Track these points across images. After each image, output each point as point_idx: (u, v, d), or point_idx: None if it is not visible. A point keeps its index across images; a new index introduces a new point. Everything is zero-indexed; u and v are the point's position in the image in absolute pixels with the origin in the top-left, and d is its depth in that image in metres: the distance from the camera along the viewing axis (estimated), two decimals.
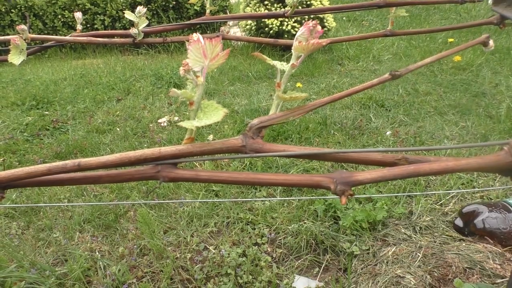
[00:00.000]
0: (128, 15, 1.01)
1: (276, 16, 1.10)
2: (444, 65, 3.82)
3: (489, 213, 1.49)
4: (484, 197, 1.80)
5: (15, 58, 0.93)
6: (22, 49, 0.94)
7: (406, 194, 1.79)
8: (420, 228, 1.63)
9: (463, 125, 2.62)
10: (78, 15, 1.15)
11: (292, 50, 0.49)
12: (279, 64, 0.50)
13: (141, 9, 1.02)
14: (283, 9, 1.07)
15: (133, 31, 1.05)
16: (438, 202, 1.78)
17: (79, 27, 1.14)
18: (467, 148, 2.15)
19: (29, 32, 0.97)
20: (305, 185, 0.44)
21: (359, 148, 2.34)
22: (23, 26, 0.99)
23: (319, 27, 0.49)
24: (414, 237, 1.58)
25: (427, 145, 2.35)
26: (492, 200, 1.72)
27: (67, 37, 1.09)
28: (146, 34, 1.08)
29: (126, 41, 1.08)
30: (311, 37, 0.49)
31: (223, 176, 0.46)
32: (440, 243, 1.52)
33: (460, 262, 1.37)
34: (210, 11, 1.10)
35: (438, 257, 1.42)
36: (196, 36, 0.49)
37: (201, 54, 0.47)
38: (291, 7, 1.00)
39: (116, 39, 1.13)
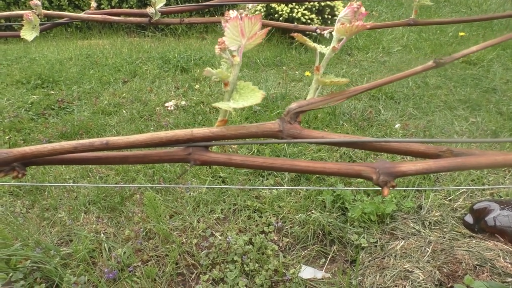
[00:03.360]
0: None
1: (298, 0, 1.07)
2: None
3: (500, 211, 1.47)
4: (494, 195, 1.78)
5: (28, 34, 0.90)
6: (35, 25, 0.92)
7: (415, 188, 1.77)
8: (429, 223, 1.61)
9: (473, 120, 2.59)
10: None
11: (333, 33, 0.46)
12: (319, 47, 0.47)
13: None
14: None
15: (149, 10, 1.02)
16: (447, 198, 1.77)
17: (93, 4, 1.11)
18: (475, 144, 2.12)
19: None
20: (345, 174, 0.42)
21: None
22: (37, 1, 0.96)
23: (363, 9, 0.46)
24: (423, 232, 1.56)
25: (437, 139, 2.32)
26: (503, 198, 1.71)
27: (82, 14, 1.05)
28: (163, 14, 1.05)
29: (142, 20, 1.05)
30: (354, 19, 0.46)
31: (257, 161, 0.44)
32: (449, 239, 1.50)
33: (470, 259, 1.35)
34: None
35: (448, 253, 1.41)
36: (233, 13, 0.46)
37: (238, 32, 0.44)
38: None
39: (131, 18, 1.10)
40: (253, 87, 0.45)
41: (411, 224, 1.62)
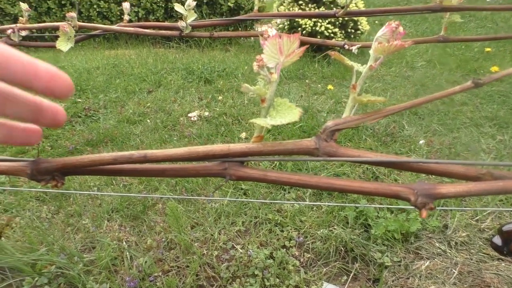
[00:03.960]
0: (178, 7, 1.00)
1: (326, 16, 1.07)
2: (481, 75, 3.71)
3: None
4: None
5: (63, 45, 0.93)
6: (70, 36, 0.94)
7: (440, 208, 1.73)
8: (456, 243, 1.57)
9: (501, 138, 2.53)
10: (126, 5, 1.15)
11: (370, 51, 0.46)
12: (355, 65, 0.47)
13: (190, 2, 1.00)
14: (334, 9, 1.04)
15: (181, 24, 1.04)
16: (474, 218, 1.72)
17: (126, 17, 1.14)
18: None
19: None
20: (382, 194, 0.42)
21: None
22: (72, 14, 0.99)
23: (401, 28, 0.46)
24: (449, 253, 1.52)
25: (463, 156, 2.27)
26: None
27: (115, 27, 1.08)
28: (193, 28, 1.07)
29: (173, 33, 1.07)
30: (392, 38, 0.46)
31: (293, 178, 0.44)
32: (477, 261, 1.46)
33: (499, 283, 1.31)
34: (259, 7, 1.08)
35: (475, 276, 1.37)
36: (272, 31, 0.47)
37: (277, 50, 0.44)
38: (342, 7, 0.97)
39: (162, 31, 1.12)
40: (290, 104, 0.45)
41: (436, 244, 1.58)
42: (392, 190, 0.41)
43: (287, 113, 0.44)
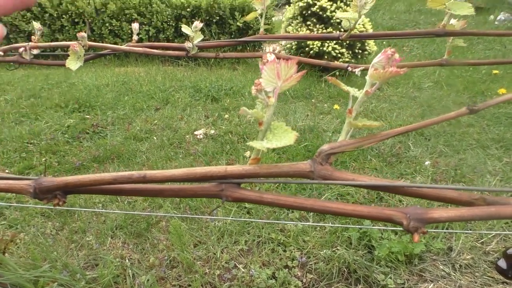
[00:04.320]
0: (185, 29, 1.03)
1: (330, 39, 1.09)
2: (488, 97, 3.71)
3: None
4: None
5: (73, 63, 0.95)
6: (80, 56, 0.97)
7: (445, 231, 1.72)
8: (460, 266, 1.55)
9: (507, 160, 2.51)
10: (135, 26, 1.18)
11: (367, 77, 0.48)
12: (352, 90, 0.49)
13: (197, 24, 1.03)
14: (338, 32, 1.06)
15: (187, 44, 1.06)
16: (479, 240, 1.70)
17: (135, 37, 1.17)
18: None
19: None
20: (375, 218, 0.42)
21: (397, 177, 2.29)
22: (83, 34, 1.02)
23: (397, 55, 0.48)
24: (453, 275, 1.50)
25: (469, 178, 2.26)
26: None
27: (124, 47, 1.11)
28: (199, 48, 1.09)
29: (180, 53, 1.10)
30: (388, 64, 0.47)
31: (288, 200, 0.44)
32: (481, 284, 1.44)
33: None
34: (265, 29, 1.11)
35: None
36: (270, 56, 0.48)
37: (275, 74, 0.46)
38: (347, 31, 0.98)
39: (169, 52, 1.14)
40: (287, 128, 0.46)
41: (440, 266, 1.56)
42: (385, 214, 0.41)
43: (283, 137, 0.45)
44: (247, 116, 0.46)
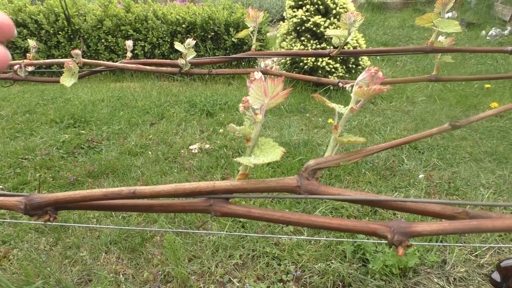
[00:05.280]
0: (178, 46, 1.04)
1: (321, 55, 1.11)
2: (481, 111, 3.75)
3: None
4: None
5: (67, 80, 0.97)
6: (74, 72, 0.98)
7: (439, 244, 1.72)
8: (454, 279, 1.56)
9: (500, 173, 2.53)
10: (129, 43, 1.20)
11: (351, 94, 0.49)
12: (337, 107, 0.50)
13: (190, 41, 1.04)
14: (321, 47, 1.08)
15: (180, 61, 1.08)
16: (473, 253, 1.71)
17: (129, 54, 1.19)
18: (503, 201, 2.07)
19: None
20: (360, 231, 0.43)
21: (391, 190, 2.30)
22: (77, 51, 1.03)
23: (380, 73, 0.49)
24: None
25: (462, 191, 2.27)
26: None
27: (117, 64, 1.12)
28: (193, 65, 1.11)
29: (173, 70, 1.11)
30: (372, 82, 0.49)
31: (275, 215, 0.45)
32: None
33: None
34: (256, 46, 1.12)
35: None
36: (258, 74, 0.50)
37: (262, 92, 0.47)
38: (336, 47, 1.00)
39: (163, 68, 1.16)
40: (274, 144, 0.47)
41: (435, 280, 1.56)
42: (369, 227, 0.42)
43: (270, 152, 0.46)
44: (235, 132, 0.47)
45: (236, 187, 0.46)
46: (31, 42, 1.11)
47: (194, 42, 1.05)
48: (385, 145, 0.49)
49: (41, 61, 1.13)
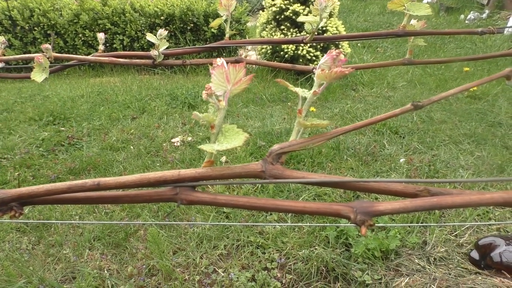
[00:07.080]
0: (150, 37, 1.03)
1: (294, 42, 1.11)
2: (460, 94, 3.80)
3: (506, 247, 1.45)
4: (501, 230, 1.76)
5: (38, 75, 0.95)
6: (45, 67, 0.96)
7: (420, 224, 1.75)
8: (434, 259, 1.59)
9: (479, 155, 2.58)
10: (101, 35, 1.18)
11: (314, 78, 0.49)
12: (300, 91, 0.50)
13: (162, 31, 1.03)
14: (301, 36, 1.08)
15: (153, 53, 1.06)
16: (453, 233, 1.75)
17: (101, 47, 1.17)
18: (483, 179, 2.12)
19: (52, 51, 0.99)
20: (324, 213, 0.44)
21: (373, 175, 2.32)
22: (47, 45, 1.01)
23: (342, 56, 0.49)
24: (428, 268, 1.54)
25: (442, 173, 2.31)
26: (510, 233, 1.68)
27: (89, 57, 1.11)
28: (166, 56, 1.09)
29: (146, 62, 1.10)
30: (334, 65, 0.49)
31: (241, 201, 0.46)
32: (455, 276, 1.48)
33: None
34: (230, 35, 1.12)
35: None
36: (220, 60, 0.49)
37: (224, 78, 0.47)
38: (309, 34, 1.00)
39: (136, 60, 1.14)
40: (237, 130, 0.47)
41: (416, 260, 1.60)
42: (333, 209, 0.43)
43: (234, 139, 0.46)
44: (199, 120, 0.47)
45: (202, 175, 0.46)
46: (1, 38, 1.09)
47: (166, 32, 1.04)
48: (348, 127, 0.49)
49: (11, 56, 1.11)
